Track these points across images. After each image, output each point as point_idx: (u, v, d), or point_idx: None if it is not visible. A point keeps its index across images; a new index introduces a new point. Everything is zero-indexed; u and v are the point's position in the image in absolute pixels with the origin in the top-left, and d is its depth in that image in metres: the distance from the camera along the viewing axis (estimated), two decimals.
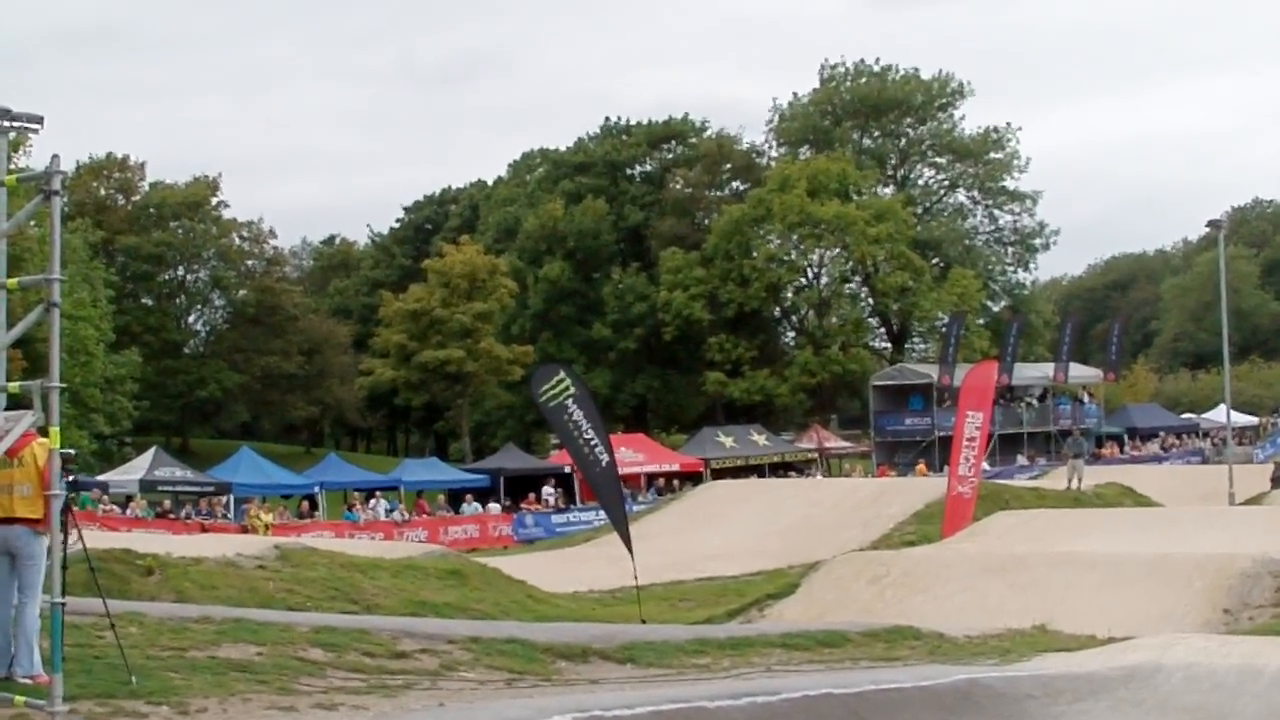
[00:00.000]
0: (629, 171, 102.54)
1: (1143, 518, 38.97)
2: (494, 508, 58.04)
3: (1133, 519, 38.35)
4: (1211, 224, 61.22)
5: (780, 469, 70.34)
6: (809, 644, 18.06)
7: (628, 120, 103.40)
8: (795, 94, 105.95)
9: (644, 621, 25.07)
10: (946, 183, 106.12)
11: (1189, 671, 16.08)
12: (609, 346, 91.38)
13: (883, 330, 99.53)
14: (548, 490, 60.12)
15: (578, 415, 29.16)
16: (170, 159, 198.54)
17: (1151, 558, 28.40)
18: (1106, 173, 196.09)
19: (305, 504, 55.78)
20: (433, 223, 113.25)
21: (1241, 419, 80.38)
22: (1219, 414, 68.69)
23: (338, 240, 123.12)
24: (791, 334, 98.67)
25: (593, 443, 29.21)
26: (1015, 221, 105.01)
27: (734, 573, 36.75)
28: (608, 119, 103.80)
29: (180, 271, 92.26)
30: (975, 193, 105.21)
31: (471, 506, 57.48)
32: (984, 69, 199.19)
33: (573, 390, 29.29)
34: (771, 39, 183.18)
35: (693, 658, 16.61)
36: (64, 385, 11.68)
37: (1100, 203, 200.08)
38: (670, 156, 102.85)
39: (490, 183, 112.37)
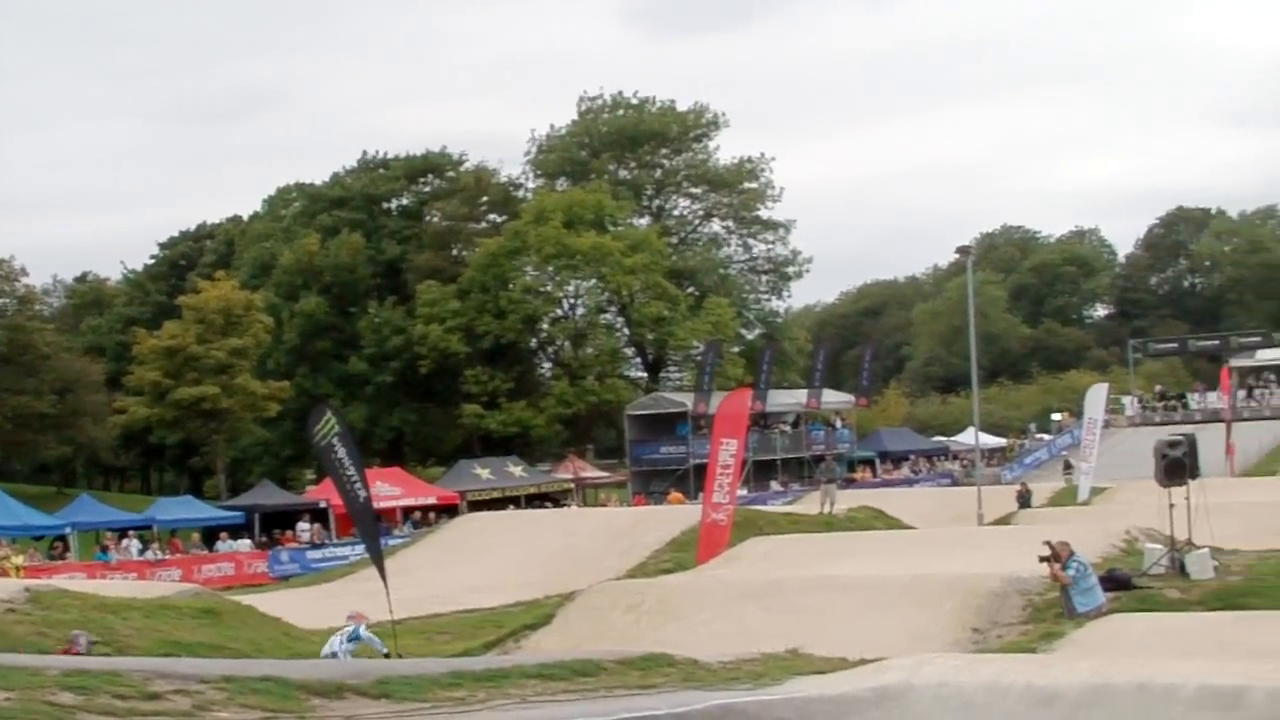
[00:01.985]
0: (387, 205, 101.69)
1: (895, 540, 39.60)
2: (244, 544, 57.22)
3: (885, 542, 38.96)
4: (960, 250, 62.44)
5: (537, 500, 70.26)
6: (564, 674, 18.02)
7: (385, 154, 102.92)
8: (553, 126, 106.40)
9: (399, 656, 24.88)
10: (702, 213, 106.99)
11: (939, 691, 16.31)
12: (366, 380, 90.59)
13: (638, 360, 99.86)
14: (303, 526, 59.44)
15: (341, 452, 29.57)
16: None
17: (904, 580, 28.87)
18: (863, 202, 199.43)
19: (57, 545, 54.47)
20: (188, 259, 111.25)
21: (990, 441, 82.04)
22: (968, 436, 70.13)
23: (89, 277, 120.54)
24: (548, 365, 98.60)
25: (353, 478, 29.42)
26: (769, 250, 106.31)
27: (492, 605, 36.65)
28: (365, 153, 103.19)
29: None
30: (730, 222, 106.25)
31: (227, 544, 56.60)
32: (744, 101, 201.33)
33: (338, 428, 29.69)
34: (537, 73, 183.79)
35: (448, 691, 16.48)
36: None
37: (857, 231, 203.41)
38: (428, 190, 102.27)
39: (246, 218, 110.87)
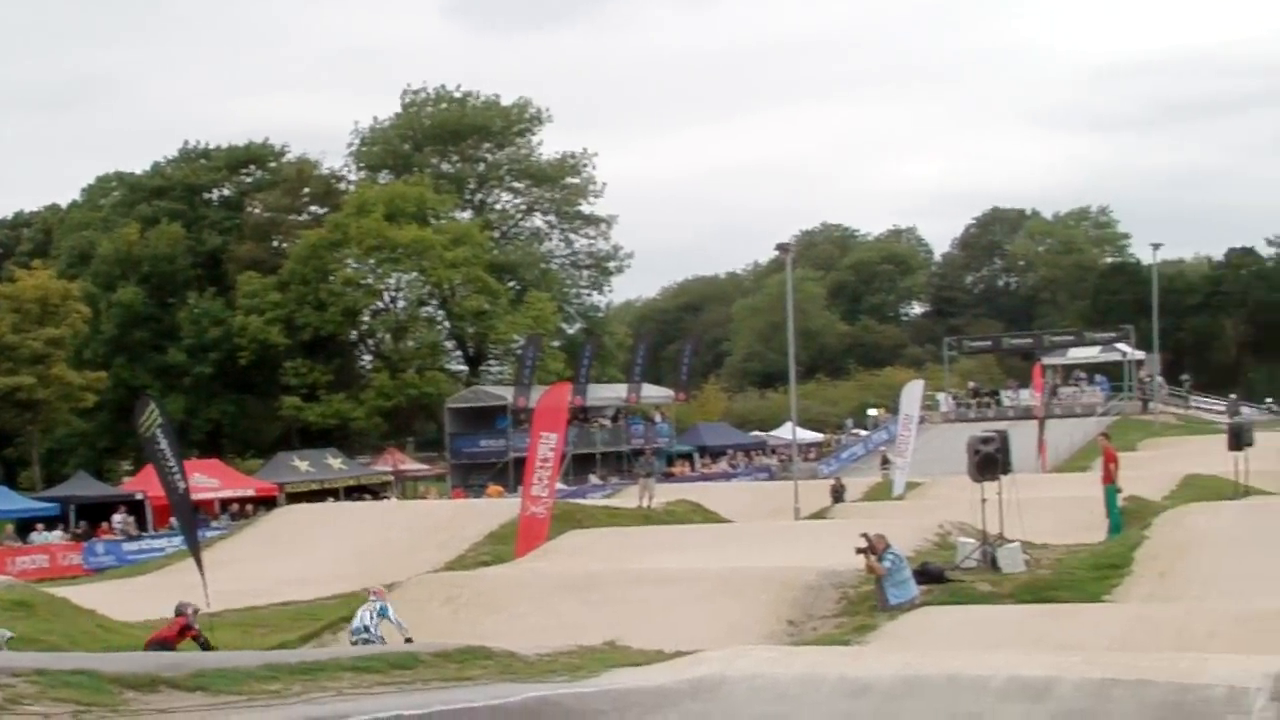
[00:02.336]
0: (208, 196, 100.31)
1: (713, 534, 39.91)
2: (56, 535, 56.36)
3: (703, 535, 39.24)
4: (780, 247, 62.87)
5: (356, 492, 69.88)
6: (380, 666, 17.99)
7: (207, 145, 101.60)
8: (376, 119, 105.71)
9: (214, 648, 24.71)
10: (524, 207, 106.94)
11: (753, 683, 16.49)
12: (184, 372, 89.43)
13: (459, 353, 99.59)
14: (119, 518, 58.66)
15: (163, 443, 29.94)
16: None
17: (721, 573, 29.11)
18: (685, 199, 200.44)
19: None
20: (4, 247, 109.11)
21: (808, 436, 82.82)
22: (786, 431, 70.68)
23: None
24: (368, 357, 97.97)
25: (174, 470, 29.57)
26: (591, 245, 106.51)
27: (309, 598, 36.43)
28: (186, 143, 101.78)
29: None
30: (552, 217, 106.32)
31: (41, 536, 55.71)
32: (567, 97, 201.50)
33: (160, 420, 30.15)
34: (360, 66, 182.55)
35: (264, 684, 16.39)
36: None
37: (678, 228, 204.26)
38: (250, 181, 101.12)
39: (65, 207, 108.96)
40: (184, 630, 24.83)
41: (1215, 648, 19.24)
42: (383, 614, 25.68)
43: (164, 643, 24.41)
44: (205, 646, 24.42)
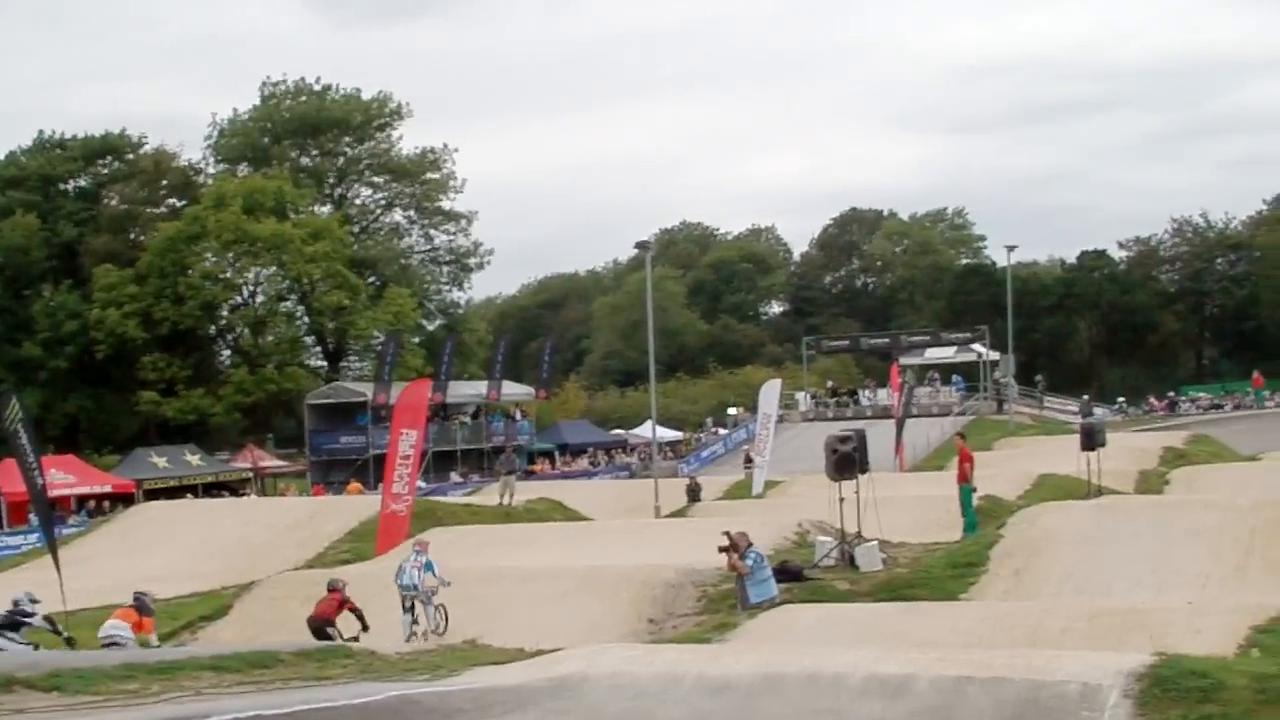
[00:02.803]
0: (63, 186, 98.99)
1: (574, 532, 40.00)
2: None
3: (564, 533, 39.33)
4: (639, 245, 63.12)
5: (215, 489, 69.31)
6: (240, 665, 17.92)
7: (63, 134, 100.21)
8: (235, 111, 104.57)
9: (72, 645, 24.60)
10: (384, 202, 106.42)
11: (614, 680, 16.60)
12: (40, 365, 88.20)
13: (319, 349, 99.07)
14: None
15: (24, 439, 29.93)
16: None
17: (581, 571, 29.20)
18: (546, 195, 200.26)
19: None
20: None
21: (668, 434, 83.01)
22: (646, 430, 70.83)
23: None
24: (227, 352, 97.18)
25: (34, 466, 29.65)
26: (451, 241, 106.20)
27: (168, 596, 36.06)
28: (41, 132, 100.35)
29: None
30: (412, 212, 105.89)
31: None
32: (428, 91, 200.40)
33: (21, 415, 30.04)
34: (220, 57, 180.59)
35: (121, 684, 16.28)
36: None
37: (539, 224, 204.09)
38: (107, 172, 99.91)
39: None
40: (341, 604, 26.00)
41: (1069, 644, 19.58)
42: (429, 569, 26.87)
43: (325, 619, 25.66)
44: (361, 619, 25.83)
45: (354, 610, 26.02)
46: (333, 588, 26.56)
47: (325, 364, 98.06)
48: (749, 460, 64.53)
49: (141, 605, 25.84)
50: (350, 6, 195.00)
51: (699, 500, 51.61)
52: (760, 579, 25.77)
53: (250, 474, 75.14)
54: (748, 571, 25.65)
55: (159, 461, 70.24)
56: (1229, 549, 26.67)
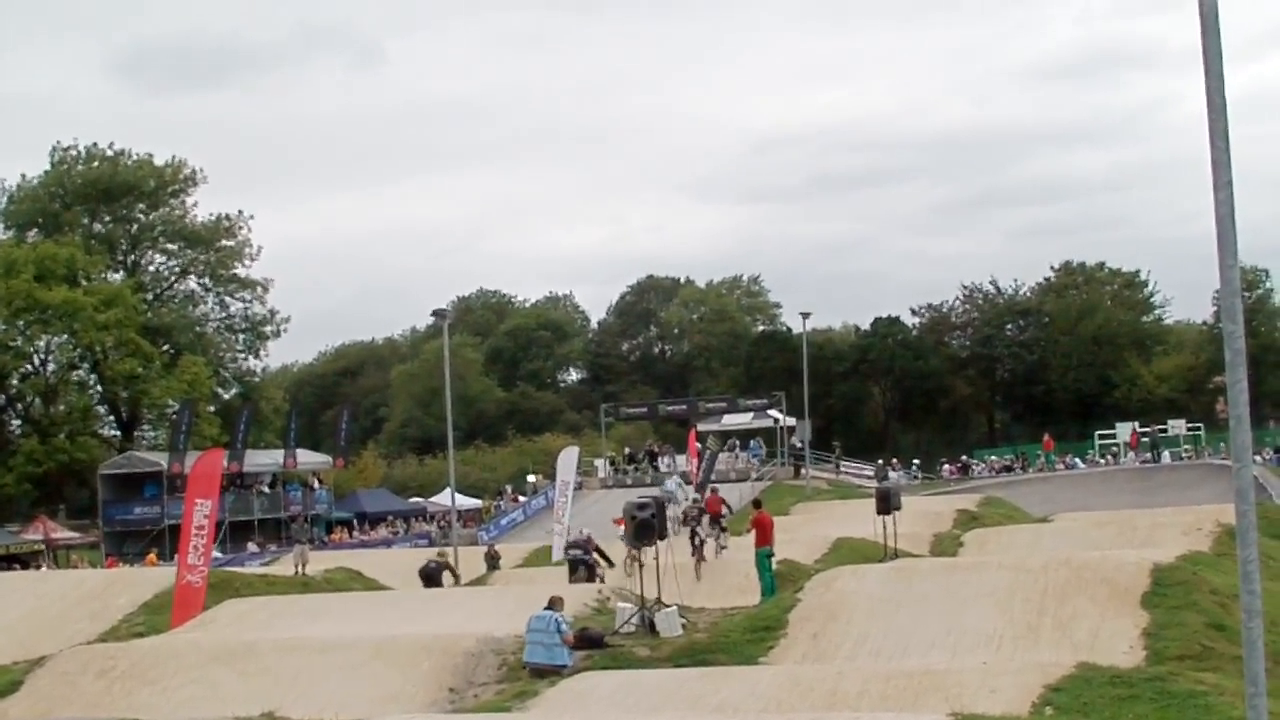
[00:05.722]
0: None
1: (373, 601, 39.71)
2: None
3: (363, 603, 39.02)
4: (436, 313, 63.09)
5: (5, 562, 67.99)
6: None
7: None
8: (24, 176, 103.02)
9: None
10: (178, 269, 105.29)
11: None
12: None
13: (112, 418, 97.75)
14: None
15: None
16: None
17: (379, 640, 29.02)
18: (342, 263, 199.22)
19: None
20: None
21: (467, 502, 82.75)
22: (445, 497, 70.59)
23: None
24: (17, 422, 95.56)
25: None
26: (246, 308, 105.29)
27: None
28: None
29: None
30: (207, 279, 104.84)
31: None
32: (223, 159, 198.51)
33: None
34: (8, 120, 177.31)
35: None
36: None
37: (336, 292, 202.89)
38: None
39: None
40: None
41: (866, 706, 19.87)
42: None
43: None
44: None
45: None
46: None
47: (119, 433, 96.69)
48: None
49: None
50: (149, 74, 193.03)
51: (498, 568, 51.52)
52: (550, 643, 25.88)
53: (42, 546, 73.70)
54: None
55: None
56: (1021, 609, 27.15)
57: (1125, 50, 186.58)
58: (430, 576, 38.51)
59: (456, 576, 38.77)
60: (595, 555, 40.71)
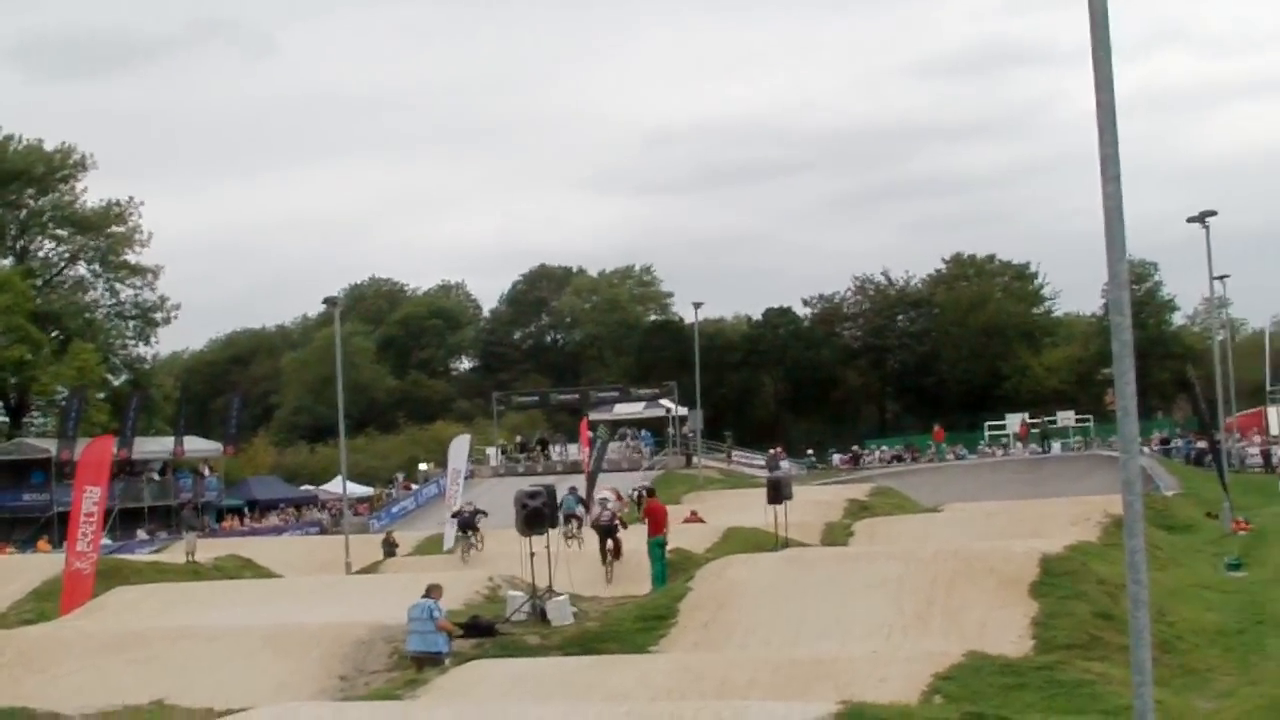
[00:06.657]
0: None
1: (263, 589, 39.61)
2: None
3: (253, 590, 38.93)
4: (327, 300, 63.04)
5: None
6: None
7: None
8: None
9: None
10: (68, 255, 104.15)
11: None
12: None
13: (0, 405, 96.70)
14: None
15: None
16: None
17: (269, 628, 28.97)
18: (234, 251, 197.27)
19: None
20: None
21: (359, 489, 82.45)
22: (336, 485, 70.38)
23: None
24: None
25: None
26: (137, 295, 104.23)
27: None
28: None
29: None
30: (96, 265, 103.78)
31: None
32: (114, 145, 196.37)
33: None
34: None
35: None
36: None
37: (227, 280, 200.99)
38: None
39: None
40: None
41: (756, 695, 20.06)
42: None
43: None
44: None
45: None
46: None
47: (7, 420, 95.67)
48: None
49: None
50: (40, 62, 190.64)
51: (394, 555, 51.50)
52: (425, 630, 25.91)
53: None
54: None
55: None
56: (910, 598, 27.43)
57: (1016, 47, 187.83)
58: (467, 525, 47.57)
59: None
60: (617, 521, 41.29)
